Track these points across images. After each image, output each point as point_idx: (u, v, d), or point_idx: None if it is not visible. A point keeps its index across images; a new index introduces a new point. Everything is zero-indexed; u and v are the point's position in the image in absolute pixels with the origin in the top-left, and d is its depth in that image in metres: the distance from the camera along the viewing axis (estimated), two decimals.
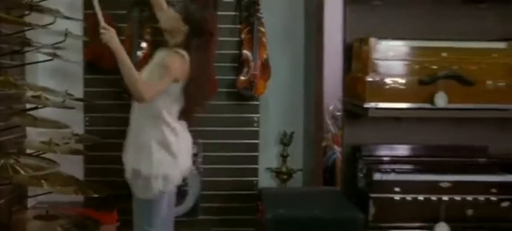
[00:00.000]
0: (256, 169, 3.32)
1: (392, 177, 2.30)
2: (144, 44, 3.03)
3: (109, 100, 3.13)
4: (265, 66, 3.17)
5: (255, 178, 3.30)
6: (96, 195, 2.72)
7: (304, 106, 3.32)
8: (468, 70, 2.28)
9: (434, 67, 2.29)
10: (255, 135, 3.32)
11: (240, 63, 3.16)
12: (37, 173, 2.35)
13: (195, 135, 2.48)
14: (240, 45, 3.17)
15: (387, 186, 2.31)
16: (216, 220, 3.23)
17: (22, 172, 2.26)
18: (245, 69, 3.15)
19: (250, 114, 3.31)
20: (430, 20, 2.59)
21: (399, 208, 2.31)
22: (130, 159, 2.30)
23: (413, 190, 2.31)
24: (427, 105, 2.28)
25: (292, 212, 2.28)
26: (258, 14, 3.15)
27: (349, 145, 2.62)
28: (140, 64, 2.78)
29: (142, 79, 2.20)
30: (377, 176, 2.30)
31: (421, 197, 2.30)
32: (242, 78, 3.15)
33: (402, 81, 2.27)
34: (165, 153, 2.25)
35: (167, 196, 2.30)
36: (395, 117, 2.43)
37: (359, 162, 2.45)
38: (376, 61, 2.28)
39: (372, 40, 2.30)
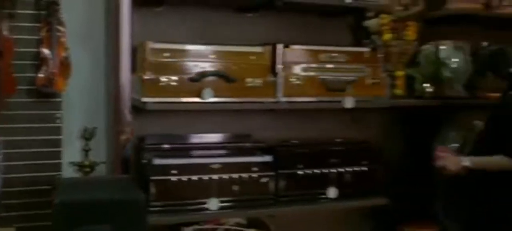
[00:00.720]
0: (59, 164, 3.39)
1: (169, 161, 2.69)
2: None
3: None
4: (65, 64, 3.27)
5: (59, 173, 3.38)
6: None
7: (106, 102, 3.48)
8: (231, 70, 2.75)
9: (203, 67, 2.73)
10: (57, 131, 3.39)
11: (39, 61, 3.24)
12: None
13: None
14: (39, 43, 3.24)
15: (165, 169, 2.68)
16: (18, 216, 3.26)
17: None
18: (44, 67, 3.24)
19: (52, 110, 3.36)
20: (205, 26, 3.03)
21: (176, 188, 2.69)
22: None
23: (187, 172, 2.70)
24: (197, 99, 2.69)
25: (79, 197, 2.56)
26: (57, 13, 3.23)
27: (138, 137, 2.98)
28: None
29: None
30: (156, 161, 2.68)
31: (195, 177, 2.71)
32: (40, 75, 3.23)
33: (175, 78, 2.66)
34: None
35: None
36: (173, 110, 2.84)
37: (143, 151, 2.82)
38: (151, 62, 2.66)
39: (148, 43, 2.67)
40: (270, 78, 2.85)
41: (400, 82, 3.33)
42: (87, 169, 3.47)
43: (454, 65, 3.39)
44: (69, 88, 3.41)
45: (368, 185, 3.09)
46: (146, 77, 2.66)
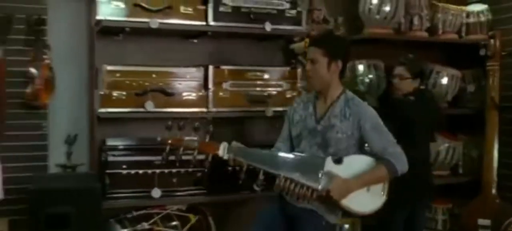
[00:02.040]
0: (46, 166, 4.04)
1: (120, 158, 3.49)
2: None
3: None
4: (49, 82, 3.87)
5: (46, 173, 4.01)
6: None
7: (87, 113, 4.13)
8: (169, 85, 3.55)
9: (147, 83, 3.44)
10: (44, 137, 4.04)
11: (27, 79, 3.89)
12: None
13: None
14: (28, 64, 3.87)
15: (117, 164, 3.48)
16: (10, 210, 3.82)
17: None
18: (31, 84, 3.87)
19: (39, 120, 4.01)
20: (155, 51, 3.81)
21: (126, 179, 3.47)
22: None
23: (135, 167, 3.50)
24: (142, 109, 3.42)
25: (49, 185, 3.39)
26: (43, 39, 3.86)
27: (101, 140, 3.77)
28: None
29: None
30: (110, 158, 3.50)
31: (140, 171, 3.51)
32: (28, 91, 3.87)
33: (124, 93, 3.45)
34: None
35: None
36: (126, 118, 3.64)
37: (103, 151, 3.64)
38: (106, 80, 3.46)
39: (104, 66, 3.51)
40: (203, 93, 3.65)
41: None
42: (70, 170, 4.03)
43: (368, 81, 4.17)
44: (56, 101, 4.02)
45: None
46: (101, 92, 3.48)
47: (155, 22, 3.39)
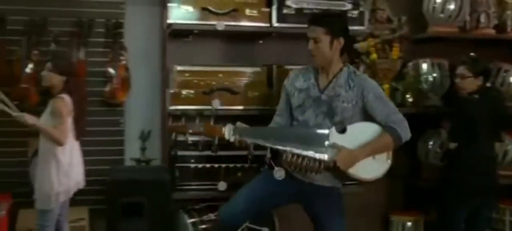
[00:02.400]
0: (122, 160, 4.36)
1: (188, 153, 3.70)
2: (31, 65, 3.88)
3: None
4: (125, 81, 4.20)
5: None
6: None
7: (160, 110, 4.22)
8: (235, 84, 3.73)
9: (214, 82, 3.63)
10: (121, 133, 4.36)
11: (106, 79, 4.24)
12: None
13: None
14: (106, 64, 4.22)
15: (186, 158, 3.71)
16: (90, 200, 4.16)
17: None
18: (109, 83, 4.23)
19: (116, 117, 4.34)
20: (221, 52, 4.01)
21: (194, 172, 3.70)
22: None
23: (202, 161, 3.71)
24: (209, 107, 3.58)
25: (124, 177, 3.72)
26: (120, 41, 4.19)
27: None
28: (27, 80, 3.93)
29: (55, 130, 3.13)
30: (179, 152, 3.73)
31: (207, 165, 3.72)
32: (106, 89, 4.23)
33: (192, 91, 3.68)
34: (58, 175, 3.21)
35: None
36: (195, 115, 3.85)
37: (174, 146, 3.86)
38: (176, 79, 3.70)
39: (174, 66, 3.75)
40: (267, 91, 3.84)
41: (385, 93, 4.17)
42: (144, 164, 4.30)
43: (432, 79, 4.21)
44: (131, 99, 4.34)
45: None
46: (171, 91, 3.74)
47: (221, 24, 3.58)
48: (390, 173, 3.36)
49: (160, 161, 4.32)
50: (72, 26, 4.18)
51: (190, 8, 3.65)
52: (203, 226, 3.61)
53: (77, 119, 3.33)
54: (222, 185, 3.70)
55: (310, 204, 2.95)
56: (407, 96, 4.16)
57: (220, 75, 3.66)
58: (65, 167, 3.27)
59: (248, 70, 3.73)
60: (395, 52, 4.12)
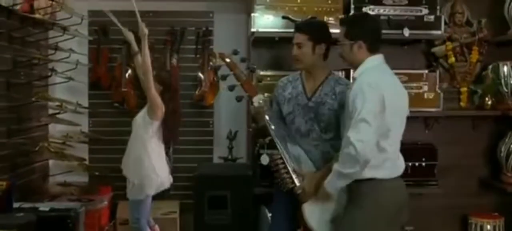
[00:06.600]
0: (211, 158, 4.84)
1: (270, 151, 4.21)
2: (130, 71, 4.57)
3: (105, 109, 4.72)
4: (214, 85, 4.75)
5: None
6: (97, 174, 4.58)
7: (245, 112, 4.57)
8: None
9: None
10: (210, 133, 4.86)
11: (196, 82, 4.72)
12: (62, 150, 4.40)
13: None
14: (197, 69, 4.68)
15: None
16: (181, 195, 4.73)
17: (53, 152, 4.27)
18: (199, 87, 4.78)
19: (206, 118, 4.86)
20: None
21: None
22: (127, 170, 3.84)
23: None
24: None
25: (210, 172, 4.30)
26: (209, 47, 4.72)
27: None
28: (127, 84, 4.63)
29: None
30: (261, 151, 4.25)
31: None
32: (197, 93, 4.77)
33: None
34: (149, 166, 3.68)
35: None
36: None
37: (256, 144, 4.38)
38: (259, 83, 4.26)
39: (257, 71, 4.16)
40: None
41: (463, 96, 4.42)
42: (230, 163, 4.79)
43: None
44: (220, 102, 4.88)
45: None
46: None
47: None
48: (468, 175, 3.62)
49: (246, 159, 4.83)
50: (165, 35, 4.79)
51: (272, 17, 4.14)
52: None
53: (167, 126, 3.82)
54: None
55: None
56: (486, 99, 4.37)
57: None
58: (154, 161, 3.73)
59: None
60: (474, 55, 4.35)
